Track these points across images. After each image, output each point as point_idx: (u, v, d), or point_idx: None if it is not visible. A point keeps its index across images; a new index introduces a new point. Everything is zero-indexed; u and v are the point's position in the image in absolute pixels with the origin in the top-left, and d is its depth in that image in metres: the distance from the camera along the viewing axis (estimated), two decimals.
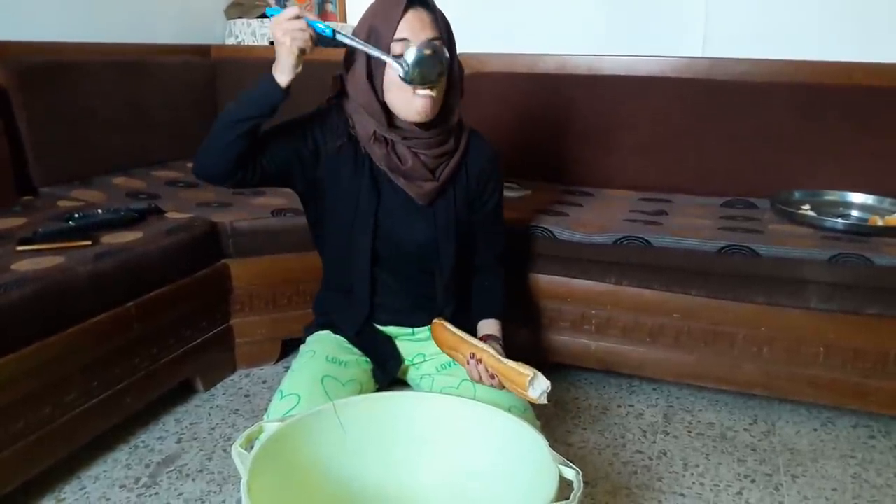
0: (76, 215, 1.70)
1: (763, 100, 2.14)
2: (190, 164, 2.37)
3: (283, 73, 1.15)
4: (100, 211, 1.75)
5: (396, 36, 1.16)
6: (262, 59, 2.94)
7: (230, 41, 2.98)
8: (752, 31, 2.35)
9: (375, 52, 1.15)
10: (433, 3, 1.20)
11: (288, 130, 1.26)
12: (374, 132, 1.24)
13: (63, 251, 1.49)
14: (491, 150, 1.37)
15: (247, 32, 2.94)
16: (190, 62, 2.62)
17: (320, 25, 1.13)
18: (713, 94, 2.19)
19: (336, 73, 1.30)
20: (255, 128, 1.19)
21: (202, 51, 2.76)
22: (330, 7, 3.32)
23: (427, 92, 1.17)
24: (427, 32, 1.17)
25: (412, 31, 1.16)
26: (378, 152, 1.25)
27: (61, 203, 1.89)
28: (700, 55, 2.38)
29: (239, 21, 2.96)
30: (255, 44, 2.92)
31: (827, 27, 2.27)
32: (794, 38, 2.30)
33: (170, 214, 1.82)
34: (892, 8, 2.19)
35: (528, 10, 2.61)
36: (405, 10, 1.16)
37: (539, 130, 2.31)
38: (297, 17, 1.12)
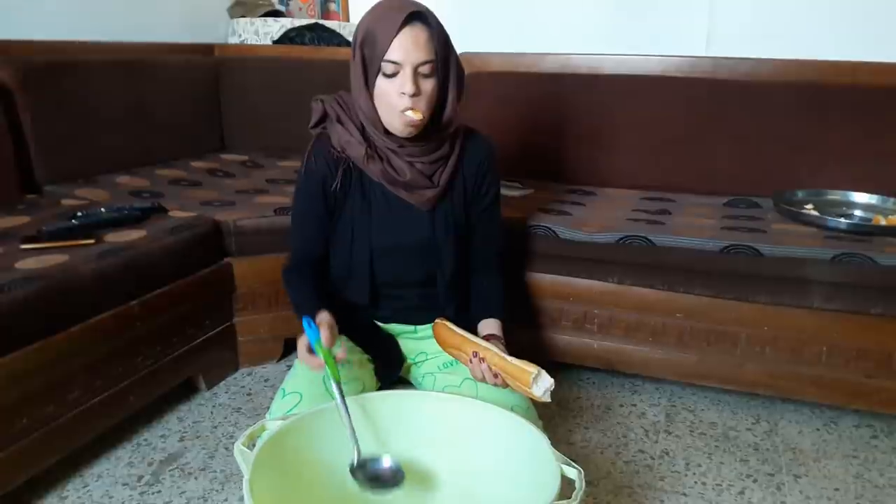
0: (80, 214, 1.71)
1: (766, 99, 2.14)
2: (193, 163, 2.40)
3: None
4: (103, 210, 1.75)
5: (388, 56, 1.14)
6: (265, 59, 2.96)
7: (233, 40, 2.98)
8: (756, 30, 2.35)
9: (353, 439, 1.05)
10: (433, 19, 1.18)
11: (314, 215, 1.30)
12: (367, 151, 1.24)
13: (67, 250, 1.49)
14: (486, 146, 1.37)
15: (250, 31, 2.94)
16: (193, 61, 2.62)
17: (329, 373, 1.07)
18: (716, 93, 2.18)
19: (316, 97, 1.31)
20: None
21: (205, 50, 2.76)
22: (333, 6, 3.32)
23: (410, 116, 1.17)
24: (421, 54, 1.14)
25: (405, 52, 1.13)
26: (375, 169, 1.26)
27: (65, 202, 1.90)
28: (703, 54, 2.37)
29: (242, 20, 2.96)
30: (259, 43, 2.93)
31: (831, 26, 2.27)
32: (798, 37, 2.30)
33: (173, 213, 1.82)
34: None
35: (531, 10, 2.61)
36: (403, 25, 1.13)
37: (541, 130, 2.31)
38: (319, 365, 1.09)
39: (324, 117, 1.30)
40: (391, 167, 1.26)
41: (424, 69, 1.16)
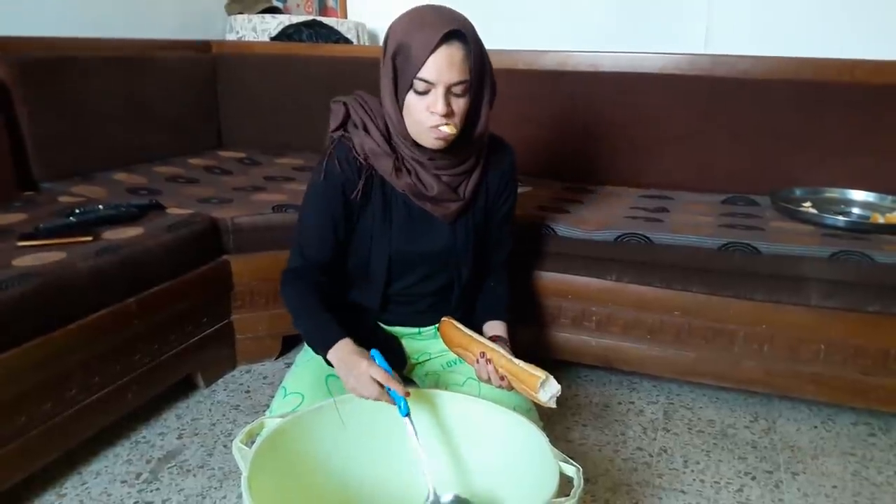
0: (77, 211, 1.70)
1: (765, 97, 2.14)
2: (190, 160, 2.39)
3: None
4: (101, 207, 1.74)
5: (421, 75, 1.09)
6: (263, 55, 2.95)
7: (230, 37, 2.98)
8: (755, 28, 2.35)
9: (423, 458, 1.06)
10: (471, 35, 1.12)
11: (330, 219, 1.24)
12: (394, 164, 1.20)
13: (64, 247, 1.49)
14: (509, 157, 1.34)
15: (247, 28, 2.94)
16: (191, 58, 2.61)
17: (400, 402, 1.05)
18: (715, 90, 2.18)
19: (336, 99, 1.26)
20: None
21: (203, 46, 2.75)
22: (331, 3, 3.31)
23: (444, 130, 1.13)
24: (455, 74, 1.10)
25: (438, 72, 1.09)
26: (402, 183, 1.22)
27: (62, 199, 1.89)
28: (702, 52, 2.37)
29: (239, 17, 2.96)
30: (256, 39, 2.92)
31: (830, 24, 2.27)
32: (796, 34, 2.30)
33: (171, 210, 1.82)
34: None
35: (530, 7, 2.61)
36: (439, 44, 1.08)
37: (540, 127, 2.31)
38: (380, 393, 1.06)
39: (345, 120, 1.25)
40: (419, 181, 1.22)
41: (457, 89, 1.12)
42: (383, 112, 1.21)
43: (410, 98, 1.13)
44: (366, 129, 1.22)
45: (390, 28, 1.16)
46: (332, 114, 1.26)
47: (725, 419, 1.77)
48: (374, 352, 1.10)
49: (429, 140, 1.15)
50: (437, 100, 1.10)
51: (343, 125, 1.25)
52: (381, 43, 1.23)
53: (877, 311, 1.58)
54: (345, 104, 1.25)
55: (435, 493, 1.04)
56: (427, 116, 1.12)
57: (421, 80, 1.10)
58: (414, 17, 1.13)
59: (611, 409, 1.81)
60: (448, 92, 1.11)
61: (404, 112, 1.16)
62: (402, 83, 1.13)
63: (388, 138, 1.21)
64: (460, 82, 1.11)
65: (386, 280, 1.29)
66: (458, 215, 1.28)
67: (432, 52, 1.08)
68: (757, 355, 1.69)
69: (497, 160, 1.31)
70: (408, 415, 1.05)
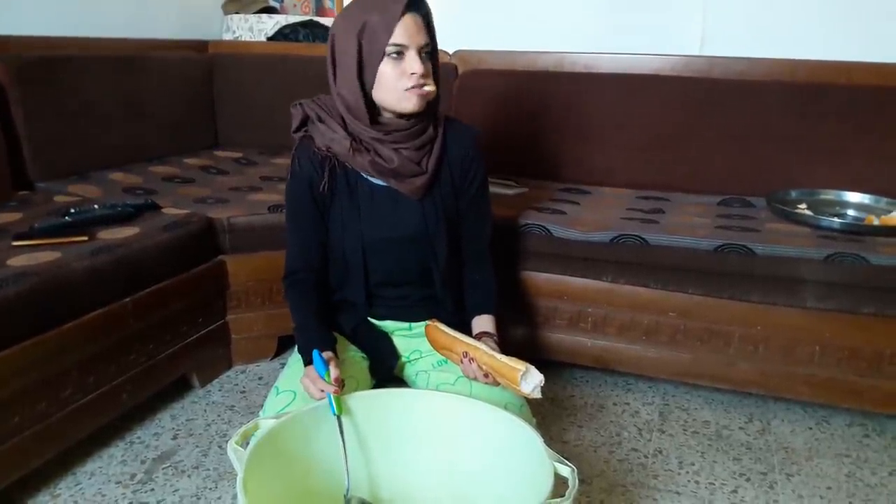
0: (73, 210, 1.70)
1: (761, 99, 2.14)
2: (186, 160, 2.39)
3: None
4: (96, 206, 1.74)
5: (393, 40, 1.18)
6: (260, 55, 2.95)
7: (227, 37, 2.97)
8: (751, 30, 2.35)
9: (344, 459, 1.08)
10: (425, 6, 1.22)
11: (305, 218, 1.31)
12: (352, 144, 1.25)
13: (59, 246, 1.48)
14: (469, 133, 1.37)
15: (244, 28, 2.93)
16: (187, 58, 2.61)
17: (333, 405, 1.09)
18: (711, 92, 2.19)
19: (294, 103, 1.33)
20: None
21: (199, 46, 2.75)
22: (328, 3, 3.32)
23: (427, 90, 1.21)
24: (422, 37, 1.20)
25: (409, 36, 1.18)
26: (362, 161, 1.26)
27: (58, 198, 1.89)
28: (698, 53, 2.38)
29: (236, 17, 2.95)
30: (253, 39, 2.92)
31: (825, 26, 2.27)
32: (792, 36, 2.30)
33: (166, 210, 1.82)
34: (892, 7, 2.19)
35: (527, 8, 2.61)
36: (404, 13, 1.17)
37: (536, 128, 2.31)
38: (322, 390, 1.12)
39: (305, 120, 1.32)
40: (379, 156, 1.26)
41: (425, 51, 1.21)
42: (337, 105, 1.27)
43: (384, 68, 1.20)
44: (321, 120, 1.28)
45: (342, 16, 1.25)
46: (292, 117, 1.33)
47: (720, 420, 1.77)
48: (314, 352, 1.15)
49: (410, 103, 1.21)
50: (414, 60, 1.19)
51: (303, 125, 1.32)
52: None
53: (871, 312, 1.58)
54: (301, 105, 1.32)
55: (350, 493, 1.07)
56: (405, 80, 1.20)
57: (395, 45, 1.18)
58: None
59: (606, 410, 1.81)
60: (419, 55, 1.20)
61: (377, 84, 1.21)
62: (371, 57, 1.20)
63: (344, 126, 1.27)
64: (427, 44, 1.21)
65: (364, 269, 1.31)
66: (425, 192, 1.31)
67: (400, 19, 1.17)
68: (752, 356, 1.69)
69: (457, 137, 1.35)
70: (337, 415, 1.08)
